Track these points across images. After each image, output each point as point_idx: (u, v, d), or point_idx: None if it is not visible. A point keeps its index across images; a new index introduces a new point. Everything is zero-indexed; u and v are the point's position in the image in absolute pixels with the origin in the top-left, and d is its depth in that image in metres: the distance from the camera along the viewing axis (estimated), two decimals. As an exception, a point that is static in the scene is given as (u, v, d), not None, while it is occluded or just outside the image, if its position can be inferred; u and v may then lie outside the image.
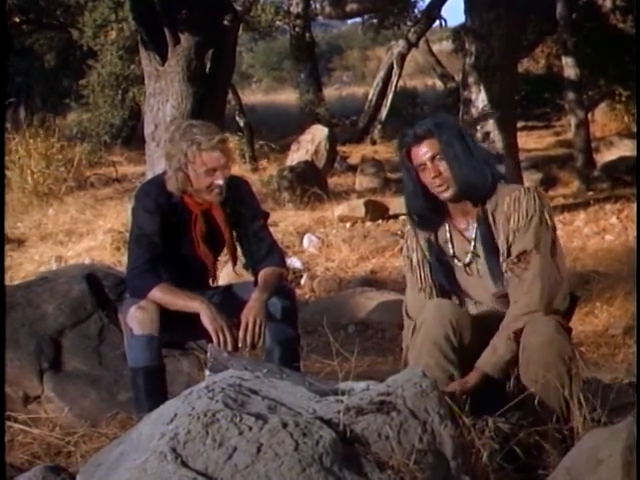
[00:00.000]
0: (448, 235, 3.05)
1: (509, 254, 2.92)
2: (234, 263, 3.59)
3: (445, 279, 3.05)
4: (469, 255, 3.02)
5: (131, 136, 16.12)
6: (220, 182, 3.31)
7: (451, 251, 3.04)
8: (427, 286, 3.06)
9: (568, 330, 2.88)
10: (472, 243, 3.01)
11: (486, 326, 2.92)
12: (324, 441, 2.12)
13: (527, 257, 2.89)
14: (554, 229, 2.96)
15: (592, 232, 8.80)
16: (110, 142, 15.21)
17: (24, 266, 8.27)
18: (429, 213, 3.03)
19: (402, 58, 17.04)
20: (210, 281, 3.60)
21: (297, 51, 17.67)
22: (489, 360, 2.84)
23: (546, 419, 2.65)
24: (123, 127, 15.80)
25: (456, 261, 3.04)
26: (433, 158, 2.94)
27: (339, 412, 2.22)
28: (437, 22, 18.49)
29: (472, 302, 3.05)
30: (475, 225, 3.00)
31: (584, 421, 2.59)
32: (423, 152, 2.96)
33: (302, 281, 7.46)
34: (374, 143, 16.25)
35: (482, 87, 9.32)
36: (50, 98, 18.23)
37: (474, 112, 9.45)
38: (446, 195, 2.96)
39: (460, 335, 2.85)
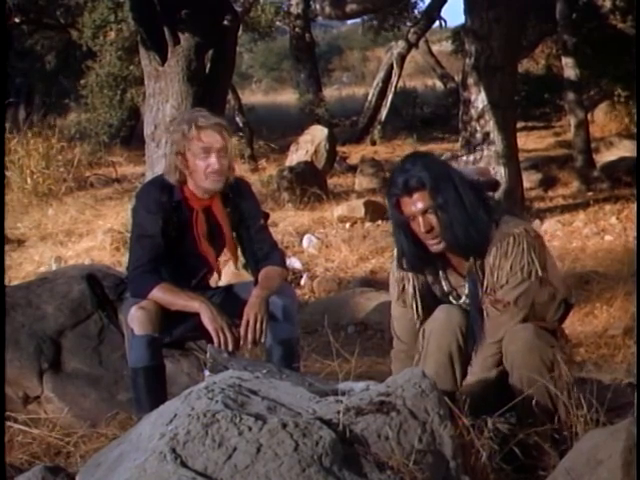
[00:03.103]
0: (442, 273, 2.98)
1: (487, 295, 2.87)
2: (235, 260, 3.57)
3: None
4: (465, 295, 2.96)
5: (130, 136, 16.12)
6: (216, 166, 3.28)
7: (446, 288, 2.98)
8: (424, 317, 2.97)
9: (553, 333, 2.85)
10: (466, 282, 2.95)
11: None
12: (324, 441, 2.11)
13: (505, 305, 2.82)
14: (545, 260, 2.86)
15: (592, 232, 8.81)
16: (109, 142, 15.20)
17: (24, 266, 8.28)
18: (421, 258, 2.92)
19: (402, 58, 17.02)
20: (215, 277, 3.60)
21: (297, 51, 17.68)
22: (479, 377, 2.84)
23: (536, 421, 2.65)
24: (122, 127, 15.79)
25: (451, 298, 2.99)
26: (425, 212, 2.81)
27: (339, 412, 2.21)
28: (437, 23, 18.55)
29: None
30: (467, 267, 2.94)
31: (584, 422, 2.59)
32: (414, 204, 2.81)
33: (302, 281, 7.46)
34: (374, 143, 16.23)
35: (482, 87, 9.33)
36: (50, 98, 18.23)
37: (473, 112, 9.45)
38: (438, 247, 2.86)
39: (467, 340, 2.86)
